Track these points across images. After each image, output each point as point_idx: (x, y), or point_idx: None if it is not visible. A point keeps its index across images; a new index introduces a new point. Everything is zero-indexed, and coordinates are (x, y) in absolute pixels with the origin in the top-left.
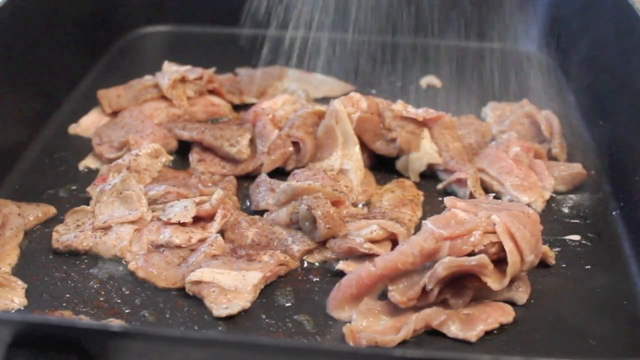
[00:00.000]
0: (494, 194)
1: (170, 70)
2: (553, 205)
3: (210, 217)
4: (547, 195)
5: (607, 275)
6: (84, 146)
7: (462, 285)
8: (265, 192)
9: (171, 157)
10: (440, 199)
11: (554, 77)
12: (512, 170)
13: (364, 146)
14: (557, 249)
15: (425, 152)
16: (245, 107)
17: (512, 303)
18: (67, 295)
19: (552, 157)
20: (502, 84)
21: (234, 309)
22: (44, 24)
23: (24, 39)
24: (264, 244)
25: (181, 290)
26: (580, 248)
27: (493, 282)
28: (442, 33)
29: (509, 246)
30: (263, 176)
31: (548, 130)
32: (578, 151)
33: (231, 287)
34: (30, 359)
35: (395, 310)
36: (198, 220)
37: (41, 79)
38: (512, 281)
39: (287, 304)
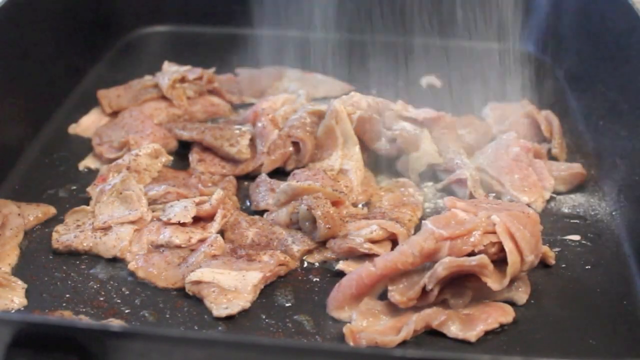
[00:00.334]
0: (494, 194)
1: (170, 70)
2: (553, 205)
3: (210, 217)
4: (547, 195)
5: (607, 275)
6: (84, 146)
7: (462, 286)
8: (265, 192)
9: (171, 157)
10: (440, 199)
11: (554, 77)
12: (512, 170)
13: (364, 146)
14: (557, 249)
15: (425, 152)
16: (245, 107)
17: (512, 303)
18: (67, 295)
19: (552, 157)
20: (502, 84)
21: (234, 309)
22: (44, 23)
23: (24, 39)
24: (264, 244)
25: (181, 290)
26: (580, 248)
27: (493, 282)
28: (442, 33)
29: (509, 246)
30: (263, 176)
31: (548, 130)
32: (578, 151)
33: (231, 287)
34: (30, 359)
35: (396, 310)
36: (198, 220)
37: (41, 79)
38: (512, 281)
39: (287, 304)
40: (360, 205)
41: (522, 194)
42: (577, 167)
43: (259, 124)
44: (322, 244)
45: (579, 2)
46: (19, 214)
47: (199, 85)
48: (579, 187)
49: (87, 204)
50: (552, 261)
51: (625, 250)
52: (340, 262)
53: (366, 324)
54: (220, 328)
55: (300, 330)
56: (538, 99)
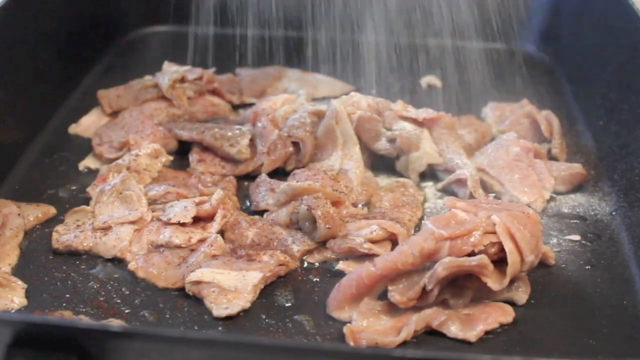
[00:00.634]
0: (494, 194)
1: (170, 70)
2: (553, 205)
3: (210, 217)
4: (547, 195)
5: (607, 275)
6: (84, 146)
7: (462, 286)
8: (265, 192)
9: (171, 157)
10: (440, 199)
11: (554, 77)
12: (512, 170)
13: (364, 146)
14: (557, 249)
15: (425, 152)
16: (245, 107)
17: (512, 303)
18: (67, 295)
19: (552, 157)
20: (502, 84)
21: (233, 309)
22: (44, 24)
23: (24, 39)
24: (264, 244)
25: (181, 290)
26: (580, 248)
27: (493, 282)
28: (442, 33)
29: (509, 246)
30: (263, 176)
31: (548, 130)
32: (578, 151)
33: (231, 287)
34: (30, 359)
35: (396, 310)
36: (198, 220)
37: (41, 79)
38: (512, 281)
39: (287, 304)
40: (360, 205)
41: (522, 194)
42: (577, 167)
43: (259, 124)
44: (322, 244)
45: (579, 2)
46: (19, 214)
47: (199, 85)
48: (579, 187)
49: (87, 204)
50: (552, 261)
51: (625, 250)
52: (340, 262)
53: (366, 324)
54: (220, 328)
55: (300, 330)
56: (538, 99)
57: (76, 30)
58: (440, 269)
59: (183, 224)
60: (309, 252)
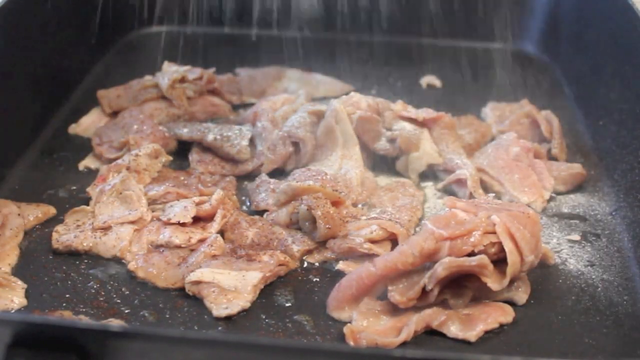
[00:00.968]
0: (494, 194)
1: (170, 70)
2: (553, 205)
3: (210, 217)
4: (547, 195)
5: (607, 275)
6: (84, 146)
7: (462, 286)
8: (265, 192)
9: (171, 157)
10: (440, 199)
11: (554, 77)
12: (512, 170)
13: (363, 146)
14: (557, 249)
15: (425, 152)
16: (245, 107)
17: (512, 303)
18: (67, 295)
19: (552, 157)
20: (502, 84)
21: (233, 309)
22: (44, 24)
23: (24, 39)
24: (264, 244)
25: (181, 290)
26: (580, 248)
27: (493, 282)
28: (442, 33)
29: (509, 246)
30: (263, 176)
31: (548, 130)
32: (578, 151)
33: (231, 287)
34: (30, 359)
35: (396, 310)
36: (198, 220)
37: (41, 79)
38: (512, 281)
39: (287, 304)
40: (360, 205)
41: (522, 194)
42: (577, 167)
43: (259, 124)
44: (322, 244)
45: (579, 2)
46: (19, 214)
47: (199, 85)
48: (579, 187)
49: (87, 204)
50: (552, 261)
51: (625, 250)
52: (340, 262)
53: (366, 324)
54: (220, 328)
55: (300, 330)
56: (538, 99)
57: (76, 30)
58: (440, 269)
59: (183, 224)
60: (309, 252)
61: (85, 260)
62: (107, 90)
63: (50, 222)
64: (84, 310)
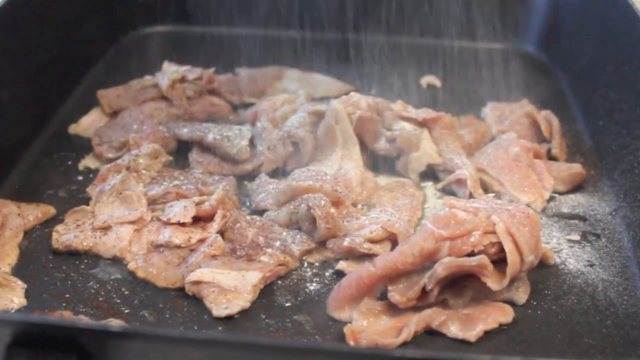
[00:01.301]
0: (494, 194)
1: (170, 70)
2: (553, 205)
3: (210, 217)
4: (547, 195)
5: (607, 275)
6: (84, 146)
7: (461, 286)
8: (265, 192)
9: (171, 157)
10: (440, 199)
11: (554, 77)
12: (512, 170)
13: (363, 146)
14: (557, 249)
15: (425, 152)
16: (245, 107)
17: (512, 303)
18: (67, 295)
19: (552, 157)
20: (502, 84)
21: (233, 309)
22: (44, 24)
23: (24, 39)
24: (264, 244)
25: (181, 290)
26: (580, 248)
27: (493, 282)
28: (443, 33)
29: (508, 246)
30: (263, 176)
31: (548, 130)
32: (578, 151)
33: (231, 287)
34: (30, 359)
35: (396, 310)
36: (198, 220)
37: (41, 79)
38: (512, 281)
39: (287, 304)
40: (360, 205)
41: (522, 194)
42: (577, 167)
43: (259, 124)
44: (322, 244)
45: (579, 2)
46: (19, 214)
47: (198, 85)
48: (578, 187)
49: (87, 204)
50: (552, 261)
51: (625, 250)
52: (340, 262)
53: (366, 324)
54: (220, 328)
55: (300, 330)
56: (538, 99)
57: (76, 30)
58: (440, 269)
59: (183, 224)
60: (309, 252)
61: (85, 260)
62: (107, 90)
63: (50, 222)
64: (84, 310)
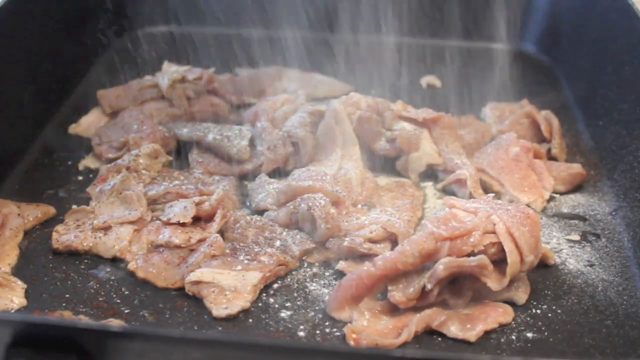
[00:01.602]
0: (494, 194)
1: (170, 70)
2: (553, 205)
3: (209, 217)
4: (547, 195)
5: (607, 275)
6: (84, 146)
7: (461, 286)
8: (265, 192)
9: (170, 157)
10: (440, 199)
11: (554, 77)
12: (512, 170)
13: (363, 146)
14: (557, 249)
15: (425, 152)
16: (245, 107)
17: (512, 303)
18: (67, 296)
19: (552, 157)
20: (502, 84)
21: (233, 309)
22: (44, 24)
23: (24, 39)
24: (263, 243)
25: (181, 290)
26: (580, 248)
27: (493, 282)
28: (443, 33)
29: (508, 246)
30: (263, 176)
31: (548, 130)
32: (578, 151)
33: (231, 287)
34: (30, 359)
35: (396, 310)
36: (198, 220)
37: (41, 79)
38: (512, 281)
39: (287, 304)
40: (360, 205)
41: (522, 194)
42: (577, 167)
43: (259, 124)
44: (322, 244)
45: (579, 2)
46: (19, 214)
47: (198, 85)
48: (578, 187)
49: (87, 204)
50: (552, 261)
51: (625, 250)
52: (340, 262)
53: (366, 324)
54: (220, 328)
55: (300, 330)
56: (538, 99)
57: (76, 30)
58: (440, 269)
59: (183, 224)
60: (309, 252)
61: (85, 260)
62: (107, 90)
63: (50, 222)
64: (84, 310)
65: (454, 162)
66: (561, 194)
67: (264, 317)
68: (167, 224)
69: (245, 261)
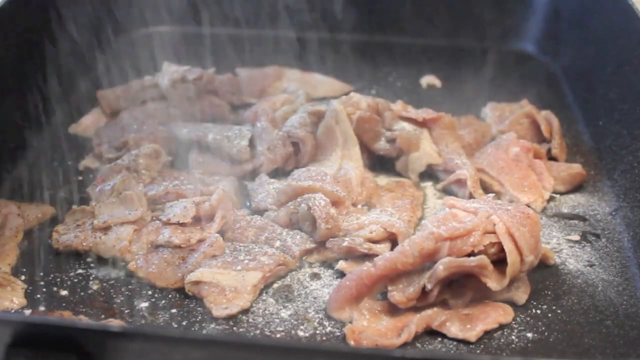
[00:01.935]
0: (493, 194)
1: (170, 70)
2: (553, 205)
3: (209, 217)
4: (547, 195)
5: (607, 275)
6: (84, 146)
7: (461, 286)
8: (265, 192)
9: (170, 157)
10: (440, 199)
11: (554, 77)
12: (512, 170)
13: (363, 146)
14: (557, 249)
15: (425, 152)
16: (245, 107)
17: (512, 303)
18: (67, 296)
19: (552, 157)
20: (502, 84)
21: (233, 309)
22: (44, 24)
23: (24, 39)
24: (263, 244)
25: (181, 290)
26: (580, 248)
27: (493, 282)
28: (442, 33)
29: (508, 246)
30: (263, 176)
31: (548, 130)
32: (578, 151)
33: (231, 287)
34: (30, 359)
35: (396, 310)
36: (198, 220)
37: (41, 79)
38: (512, 281)
39: (287, 304)
40: (360, 205)
41: (522, 194)
42: (577, 167)
43: (259, 124)
44: (322, 244)
45: (579, 2)
46: (18, 214)
47: (199, 85)
48: (578, 187)
49: (87, 204)
50: (552, 261)
51: (625, 250)
52: (340, 262)
53: (367, 324)
54: (220, 328)
55: (300, 330)
56: (538, 99)
57: (76, 30)
58: (440, 269)
59: (183, 224)
60: (309, 252)
61: (85, 260)
62: (107, 90)
63: (50, 222)
64: (83, 310)
65: (454, 162)
66: (561, 194)
67: (264, 317)
68: (167, 224)
69: (245, 261)
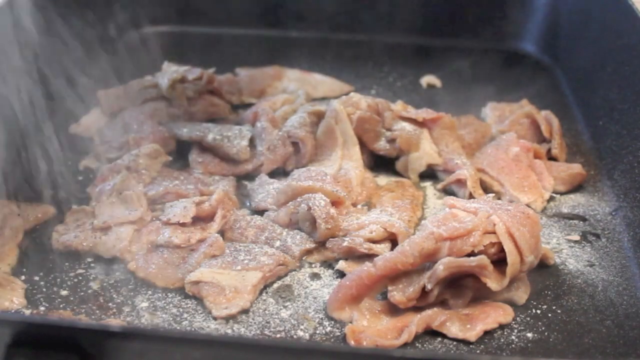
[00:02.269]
0: (493, 194)
1: (170, 70)
2: (553, 205)
3: (209, 217)
4: (547, 195)
5: (607, 275)
6: (84, 146)
7: (461, 286)
8: (265, 192)
9: (170, 157)
10: (440, 199)
11: (554, 77)
12: (512, 170)
13: (363, 146)
14: (557, 249)
15: (425, 152)
16: (245, 107)
17: (512, 303)
18: (67, 296)
19: (552, 157)
20: (502, 84)
21: (233, 309)
22: (44, 24)
23: (23, 39)
24: (263, 244)
25: (181, 290)
26: (580, 248)
27: (492, 282)
28: (442, 33)
29: (508, 246)
30: (263, 176)
31: (548, 130)
32: (578, 151)
33: (231, 287)
34: (30, 359)
35: (396, 310)
36: (198, 220)
37: (41, 79)
38: (512, 281)
39: (287, 304)
40: (360, 206)
41: (522, 194)
42: (577, 167)
43: (259, 124)
44: (322, 244)
45: (579, 2)
46: (18, 214)
47: (198, 85)
48: (578, 187)
49: (87, 204)
50: (552, 261)
51: (625, 250)
52: (340, 262)
53: (367, 324)
54: (220, 328)
55: (300, 330)
56: (538, 99)
57: (76, 30)
58: (440, 269)
59: (183, 224)
60: (309, 252)
61: (85, 260)
62: (107, 90)
63: (50, 222)
64: (84, 310)
65: (454, 162)
66: (561, 194)
67: (263, 317)
68: (167, 224)
69: (245, 261)
